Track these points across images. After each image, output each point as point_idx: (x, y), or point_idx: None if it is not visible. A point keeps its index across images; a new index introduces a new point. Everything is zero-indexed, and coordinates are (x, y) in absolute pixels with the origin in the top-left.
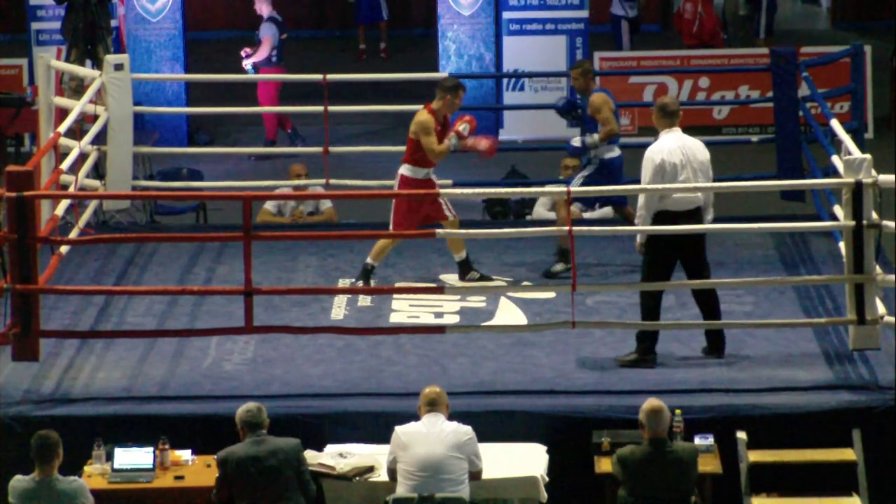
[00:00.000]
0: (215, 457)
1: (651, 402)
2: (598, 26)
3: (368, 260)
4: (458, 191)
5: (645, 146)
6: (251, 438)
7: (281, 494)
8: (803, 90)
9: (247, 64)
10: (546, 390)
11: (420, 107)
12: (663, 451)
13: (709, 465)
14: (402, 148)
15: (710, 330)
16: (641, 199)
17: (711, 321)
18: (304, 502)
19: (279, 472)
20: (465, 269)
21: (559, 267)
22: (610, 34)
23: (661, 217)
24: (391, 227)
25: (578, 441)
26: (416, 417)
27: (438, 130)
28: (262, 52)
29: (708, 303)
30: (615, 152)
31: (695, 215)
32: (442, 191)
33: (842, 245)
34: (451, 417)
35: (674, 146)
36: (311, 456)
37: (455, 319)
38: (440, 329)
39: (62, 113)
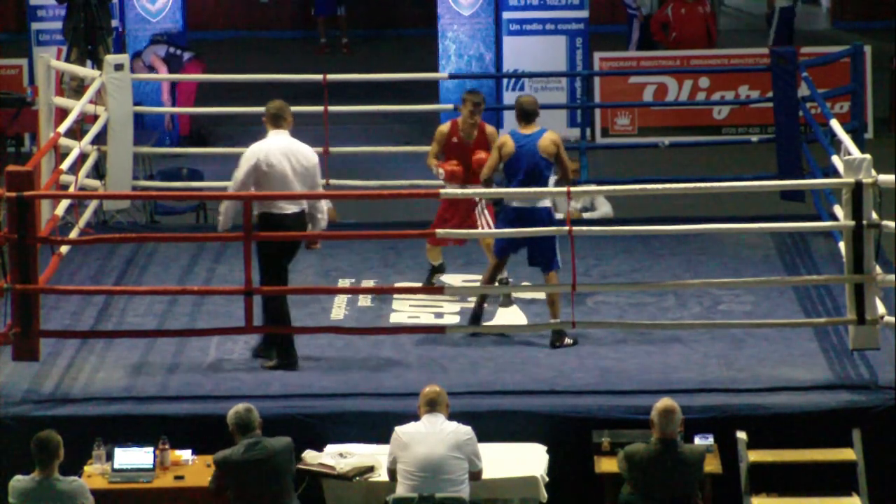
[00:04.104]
0: (212, 458)
1: (664, 402)
2: (598, 26)
3: (430, 261)
4: (458, 191)
5: (644, 146)
6: (246, 441)
7: (279, 495)
8: (803, 90)
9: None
10: (546, 390)
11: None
12: (672, 453)
13: (709, 465)
14: (402, 148)
15: (278, 342)
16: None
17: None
18: (297, 501)
19: (278, 475)
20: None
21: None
22: (612, 34)
23: (265, 218)
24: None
25: (578, 441)
26: (416, 417)
27: (454, 143)
28: (162, 69)
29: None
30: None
31: (300, 217)
32: (442, 191)
33: (842, 245)
34: (451, 417)
35: (275, 147)
36: (311, 456)
37: (455, 319)
38: (440, 329)
39: (62, 113)
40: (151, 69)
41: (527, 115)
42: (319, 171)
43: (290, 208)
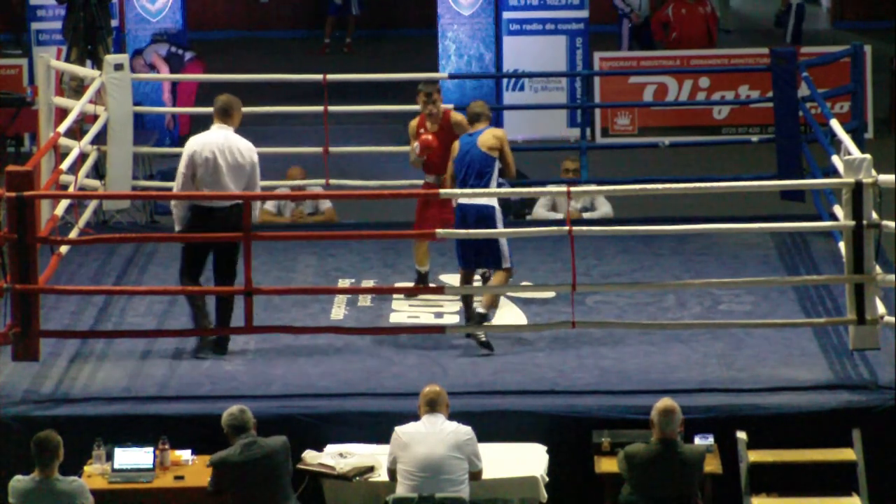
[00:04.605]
0: (209, 460)
1: (665, 402)
2: (598, 26)
3: (416, 267)
4: (458, 191)
5: (644, 146)
6: (241, 442)
7: (277, 494)
8: (803, 90)
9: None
10: (546, 390)
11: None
12: (672, 453)
13: (709, 465)
14: (402, 148)
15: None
16: (176, 184)
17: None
18: (295, 500)
19: (275, 474)
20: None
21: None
22: (610, 34)
23: (196, 211)
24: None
25: (578, 441)
26: (416, 417)
27: (422, 133)
28: (163, 68)
29: (223, 306)
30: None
31: (233, 211)
32: (442, 191)
33: (842, 245)
34: (451, 417)
35: (212, 141)
36: (311, 456)
37: (455, 319)
38: (440, 329)
39: (62, 113)
40: (152, 68)
41: (471, 116)
42: (258, 169)
43: (218, 202)
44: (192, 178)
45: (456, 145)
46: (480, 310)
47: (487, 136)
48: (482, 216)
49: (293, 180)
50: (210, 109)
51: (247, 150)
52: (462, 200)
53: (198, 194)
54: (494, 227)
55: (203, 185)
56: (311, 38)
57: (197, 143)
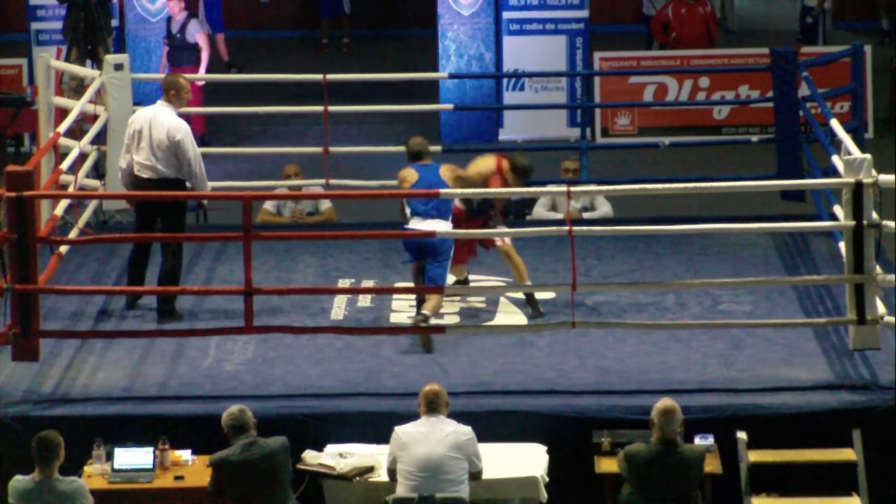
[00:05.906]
0: (208, 460)
1: (665, 402)
2: (598, 26)
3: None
4: (458, 191)
5: (644, 146)
6: (241, 442)
7: (277, 494)
8: (803, 90)
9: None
10: (546, 390)
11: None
12: (671, 453)
13: (709, 465)
14: (401, 148)
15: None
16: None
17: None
18: (295, 500)
19: (275, 474)
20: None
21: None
22: (612, 34)
23: (136, 180)
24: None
25: (578, 441)
26: (416, 417)
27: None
28: (205, 53)
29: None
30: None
31: (162, 185)
32: (443, 191)
33: (842, 245)
34: (450, 417)
35: (144, 115)
36: (311, 456)
37: (455, 319)
38: (440, 329)
39: (62, 113)
40: (190, 42)
41: (414, 154)
42: (183, 147)
43: (144, 174)
44: (131, 147)
45: (414, 173)
46: (425, 311)
47: (447, 173)
48: (429, 246)
49: (287, 177)
50: (209, 110)
51: (167, 128)
52: (413, 227)
53: (202, 194)
54: (440, 256)
55: (133, 151)
56: (310, 38)
57: (134, 115)
